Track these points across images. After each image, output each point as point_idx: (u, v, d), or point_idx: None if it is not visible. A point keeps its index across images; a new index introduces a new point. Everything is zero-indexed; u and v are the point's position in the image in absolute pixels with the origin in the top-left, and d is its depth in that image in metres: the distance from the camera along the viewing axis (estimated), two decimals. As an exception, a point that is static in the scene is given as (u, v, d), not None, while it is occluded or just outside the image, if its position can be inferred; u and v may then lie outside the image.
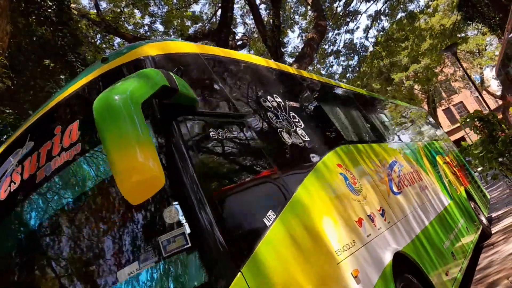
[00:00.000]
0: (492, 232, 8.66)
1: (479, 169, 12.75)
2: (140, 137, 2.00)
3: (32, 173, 2.80)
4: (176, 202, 2.37)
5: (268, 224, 2.67)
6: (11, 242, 2.94)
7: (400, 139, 7.19)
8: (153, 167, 1.99)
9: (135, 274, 2.37)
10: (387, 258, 3.75)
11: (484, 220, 8.78)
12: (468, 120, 11.62)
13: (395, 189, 5.14)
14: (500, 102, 35.05)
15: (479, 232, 7.72)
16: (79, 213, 2.68)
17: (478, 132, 11.38)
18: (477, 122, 11.37)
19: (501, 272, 5.64)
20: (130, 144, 1.96)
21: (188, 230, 2.32)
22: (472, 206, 8.56)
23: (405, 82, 30.92)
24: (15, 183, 2.91)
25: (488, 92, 35.95)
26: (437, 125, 13.04)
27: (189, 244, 2.29)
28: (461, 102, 48.07)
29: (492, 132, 11.12)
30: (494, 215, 10.43)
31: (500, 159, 11.03)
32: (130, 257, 2.45)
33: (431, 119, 12.25)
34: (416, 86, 31.82)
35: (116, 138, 1.98)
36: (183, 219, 2.34)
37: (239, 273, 2.28)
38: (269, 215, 2.73)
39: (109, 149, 1.97)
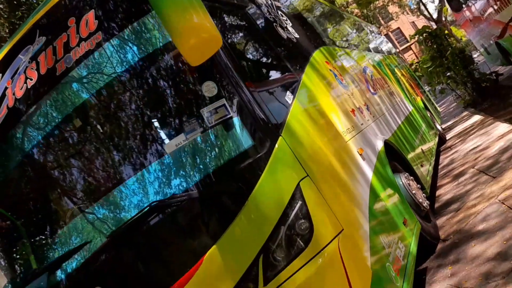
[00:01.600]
0: (447, 138, 9.60)
1: (427, 86, 13.81)
2: (194, 0, 2.19)
3: (51, 66, 2.85)
4: (218, 78, 2.62)
5: (289, 102, 3.02)
6: (37, 139, 3.01)
7: (366, 50, 7.68)
8: (210, 27, 2.21)
9: (182, 144, 2.63)
10: (379, 144, 4.27)
11: (440, 128, 9.71)
12: (417, 35, 12.37)
13: (372, 90, 5.63)
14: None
15: (437, 138, 8.59)
16: (116, 95, 2.83)
17: (426, 45, 12.13)
18: (425, 35, 12.10)
19: (466, 164, 6.43)
20: (186, 7, 2.15)
21: (229, 103, 2.60)
22: (429, 114, 9.41)
23: (348, 6, 31.52)
24: (31, 79, 2.94)
25: (425, 16, 37.55)
26: (390, 43, 13.72)
27: (231, 114, 2.57)
28: (398, 28, 49.94)
29: (440, 46, 11.94)
30: (444, 126, 11.45)
31: (448, 73, 12.00)
32: (176, 130, 2.69)
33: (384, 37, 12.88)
34: (357, 11, 32.53)
35: (172, 2, 2.16)
36: (225, 93, 2.61)
37: (280, 137, 2.62)
38: (288, 95, 3.07)
39: (166, 13, 2.15)
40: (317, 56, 4.37)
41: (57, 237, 3.04)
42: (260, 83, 2.99)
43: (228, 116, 2.60)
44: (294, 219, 2.49)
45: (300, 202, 2.51)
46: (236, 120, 2.62)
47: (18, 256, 3.36)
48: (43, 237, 3.18)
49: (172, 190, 2.67)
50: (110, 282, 2.75)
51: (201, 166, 2.68)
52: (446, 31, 12.07)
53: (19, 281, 3.19)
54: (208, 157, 2.68)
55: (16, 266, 3.32)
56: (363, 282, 2.54)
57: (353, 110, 4.23)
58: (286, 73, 3.42)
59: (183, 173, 2.71)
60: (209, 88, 2.58)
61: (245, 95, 2.66)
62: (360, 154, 3.58)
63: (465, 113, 11.85)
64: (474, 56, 13.31)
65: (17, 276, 3.25)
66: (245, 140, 2.62)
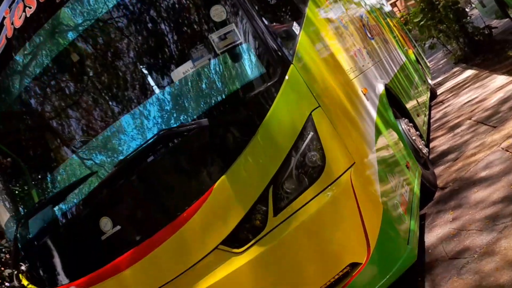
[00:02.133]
0: (438, 94, 9.64)
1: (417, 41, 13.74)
2: None
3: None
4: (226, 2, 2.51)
5: (296, 32, 2.91)
6: (38, 71, 2.88)
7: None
8: None
9: (190, 72, 2.52)
10: (381, 87, 4.21)
11: (431, 83, 9.72)
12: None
13: (369, 35, 5.53)
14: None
15: (429, 92, 8.60)
16: (121, 21, 2.70)
17: (418, -1, 11.95)
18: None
19: (461, 116, 6.46)
20: None
21: (239, 28, 2.48)
22: (420, 68, 9.40)
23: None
24: (30, 8, 2.79)
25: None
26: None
27: (240, 40, 2.46)
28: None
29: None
30: (434, 82, 11.48)
31: (439, 27, 11.91)
32: (183, 57, 2.58)
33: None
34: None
35: None
36: (234, 18, 2.49)
37: (292, 65, 2.53)
38: (295, 26, 2.96)
39: None
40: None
41: (62, 168, 3.00)
42: (268, 11, 2.87)
43: (238, 42, 2.51)
44: (306, 149, 2.44)
45: (312, 133, 2.45)
46: (246, 47, 2.52)
47: (21, 188, 3.36)
48: (48, 168, 3.14)
49: (181, 119, 2.61)
50: (117, 213, 2.71)
51: (210, 94, 2.60)
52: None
53: (24, 212, 3.18)
54: (217, 85, 2.60)
55: (21, 198, 3.31)
56: (375, 216, 2.52)
57: (354, 52, 4.14)
58: (291, 4, 3.30)
59: (192, 101, 2.64)
60: (217, 13, 2.45)
61: (255, 21, 2.57)
62: (364, 94, 3.51)
63: (456, 69, 11.91)
64: (467, 10, 13.22)
65: (23, 207, 3.26)
66: (256, 68, 2.54)
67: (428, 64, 12.89)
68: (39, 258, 3.11)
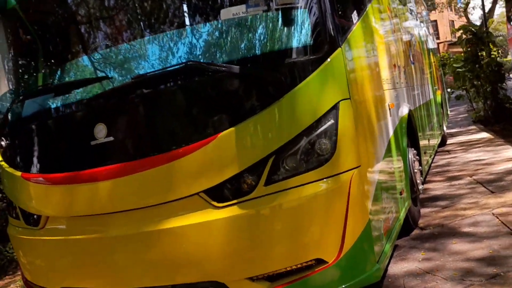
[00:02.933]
0: (447, 143, 9.65)
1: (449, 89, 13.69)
2: None
3: None
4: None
5: (354, 21, 2.88)
6: None
7: (415, 20, 7.44)
8: None
9: (240, 16, 2.49)
10: (405, 110, 4.21)
11: (445, 130, 9.73)
12: (461, 30, 12.08)
13: (411, 59, 5.49)
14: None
15: (440, 137, 8.61)
16: None
17: (465, 45, 11.88)
18: (468, 34, 11.83)
19: (463, 171, 6.49)
20: None
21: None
22: (441, 112, 9.40)
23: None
24: None
25: (467, 20, 36.96)
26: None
27: (299, 4, 2.43)
28: (436, 21, 49.08)
29: (479, 51, 11.72)
30: (447, 130, 11.49)
31: (474, 82, 11.88)
32: None
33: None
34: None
35: None
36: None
37: (339, 48, 2.50)
38: (354, 15, 2.92)
39: None
40: (383, -4, 4.18)
41: (81, 62, 2.99)
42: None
43: (297, 5, 2.47)
44: (320, 135, 2.42)
45: (332, 121, 2.43)
46: (304, 13, 2.48)
47: (31, 68, 3.33)
48: (65, 58, 3.11)
49: (213, 57, 2.57)
50: (117, 125, 2.68)
51: (250, 45, 2.57)
52: (491, 40, 11.87)
53: (26, 91, 3.15)
54: (260, 38, 2.57)
55: (28, 76, 3.28)
56: (358, 225, 2.52)
57: (395, 65, 4.11)
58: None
59: (230, 45, 2.60)
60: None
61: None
62: (389, 109, 3.50)
63: (472, 127, 11.95)
64: (507, 76, 13.19)
65: (26, 85, 3.22)
66: (304, 37, 2.51)
67: (449, 112, 12.88)
68: (23, 140, 3.08)
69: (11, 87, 3.23)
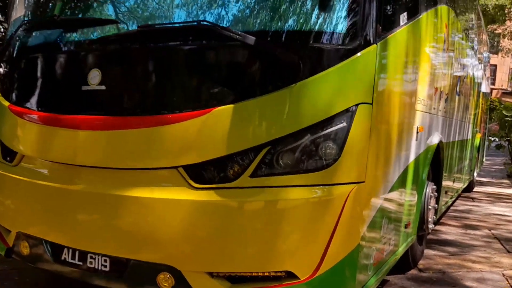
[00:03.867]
0: (474, 190, 9.17)
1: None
2: None
3: None
4: None
5: (401, 23, 2.56)
6: None
7: (473, 56, 7.02)
8: None
9: None
10: (435, 140, 3.85)
11: (475, 176, 9.24)
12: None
13: (458, 90, 5.10)
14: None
15: (468, 182, 8.14)
16: None
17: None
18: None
19: (483, 222, 6.09)
20: None
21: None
22: (476, 156, 8.91)
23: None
24: None
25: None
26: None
27: None
28: (496, 66, 47.55)
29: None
30: (477, 178, 10.95)
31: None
32: None
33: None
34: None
35: None
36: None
37: (374, 45, 2.21)
38: (403, 16, 2.59)
39: None
40: (443, 10, 3.80)
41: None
42: None
43: None
44: (327, 136, 2.11)
45: (345, 124, 2.13)
46: None
47: None
48: None
49: (230, 22, 2.31)
50: (113, 74, 2.46)
51: (274, 17, 2.29)
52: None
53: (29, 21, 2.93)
54: (287, 12, 2.28)
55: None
56: (344, 246, 2.21)
57: (436, 89, 3.75)
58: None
59: (252, 12, 2.35)
60: None
61: None
62: (417, 132, 3.16)
63: (505, 181, 11.38)
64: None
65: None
66: (338, 20, 2.21)
67: (484, 159, 12.29)
68: (17, 71, 2.92)
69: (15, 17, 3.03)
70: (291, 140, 2.13)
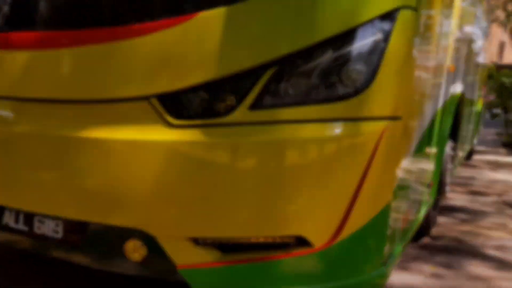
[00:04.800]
0: (473, 158, 8.78)
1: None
2: None
3: None
4: None
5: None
6: None
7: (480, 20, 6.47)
8: None
9: None
10: (459, 89, 3.37)
11: (475, 142, 8.81)
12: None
13: (474, 46, 4.55)
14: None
15: (469, 149, 7.69)
16: None
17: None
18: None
19: (491, 189, 5.72)
20: None
21: None
22: (478, 121, 8.46)
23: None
24: None
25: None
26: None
27: None
28: (484, 40, 47.19)
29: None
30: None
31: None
32: None
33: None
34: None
35: None
36: None
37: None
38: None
39: None
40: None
41: None
42: None
43: None
44: (355, 52, 1.54)
45: (379, 37, 1.55)
46: None
47: None
48: None
49: None
50: None
51: None
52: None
53: None
54: None
55: None
56: (372, 204, 1.67)
57: (461, 39, 3.18)
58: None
59: None
60: None
61: None
62: (447, 72, 2.59)
63: (500, 149, 10.99)
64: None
65: None
66: None
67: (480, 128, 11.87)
68: None
69: None
70: (305, 57, 1.56)
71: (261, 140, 1.57)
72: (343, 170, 1.59)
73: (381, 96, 1.58)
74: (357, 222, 1.65)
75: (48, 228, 1.84)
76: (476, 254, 3.17)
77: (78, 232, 1.80)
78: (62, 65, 1.75)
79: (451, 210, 4.45)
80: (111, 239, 1.74)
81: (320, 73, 1.55)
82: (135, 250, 1.71)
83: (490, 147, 11.37)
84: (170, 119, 1.63)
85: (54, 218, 1.81)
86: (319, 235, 1.63)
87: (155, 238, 1.67)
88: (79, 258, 1.85)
